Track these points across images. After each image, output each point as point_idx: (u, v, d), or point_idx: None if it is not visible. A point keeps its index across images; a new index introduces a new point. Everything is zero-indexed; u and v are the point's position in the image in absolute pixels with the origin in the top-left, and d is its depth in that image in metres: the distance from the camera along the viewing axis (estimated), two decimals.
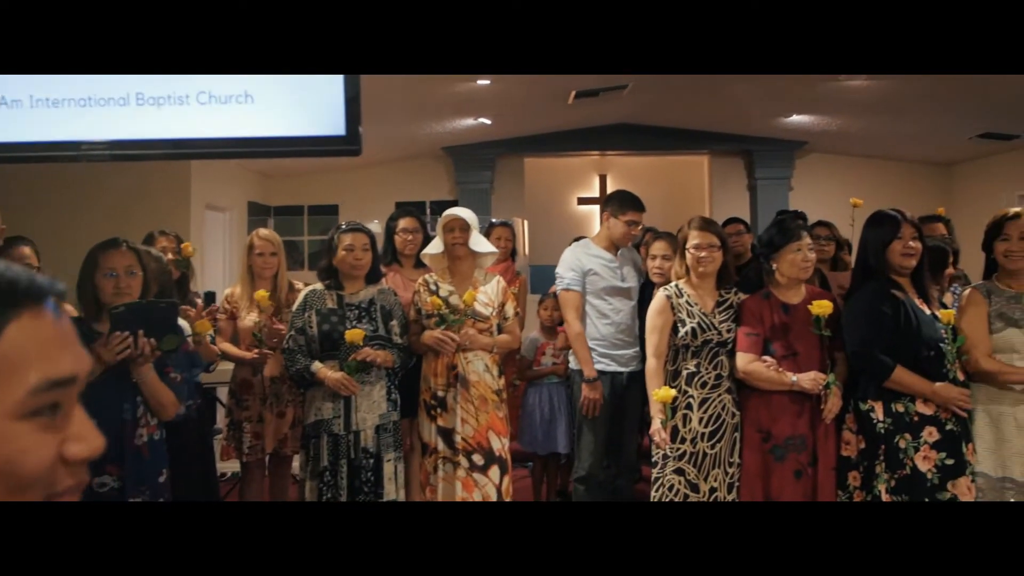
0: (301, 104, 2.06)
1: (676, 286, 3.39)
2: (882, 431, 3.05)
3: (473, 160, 8.52)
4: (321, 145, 2.14)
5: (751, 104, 7.07)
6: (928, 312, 3.07)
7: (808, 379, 3.11)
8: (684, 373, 3.31)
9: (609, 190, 10.27)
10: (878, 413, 3.09)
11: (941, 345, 3.01)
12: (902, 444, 3.02)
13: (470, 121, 7.16)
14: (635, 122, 8.39)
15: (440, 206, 8.78)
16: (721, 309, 3.35)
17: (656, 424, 3.18)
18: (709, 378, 3.30)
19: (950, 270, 3.81)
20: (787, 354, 3.22)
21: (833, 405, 3.12)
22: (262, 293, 3.73)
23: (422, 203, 8.74)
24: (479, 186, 8.56)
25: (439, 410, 3.59)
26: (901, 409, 3.06)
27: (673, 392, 3.06)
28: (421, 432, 3.68)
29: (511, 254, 4.89)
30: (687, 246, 3.36)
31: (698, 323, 3.29)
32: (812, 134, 8.11)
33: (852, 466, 3.16)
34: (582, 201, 10.12)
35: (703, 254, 3.32)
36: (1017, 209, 3.17)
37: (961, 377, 3.07)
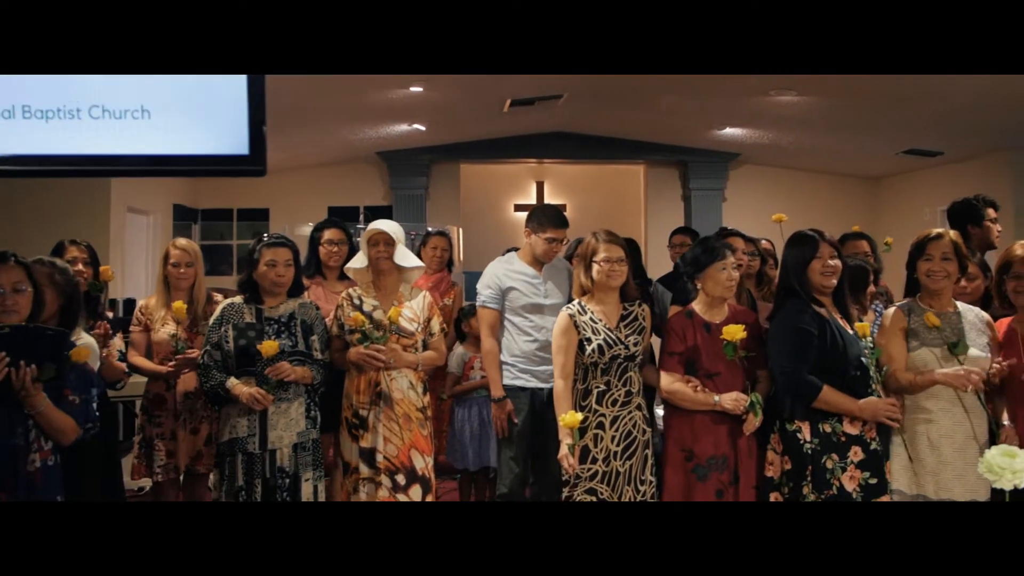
0: (202, 120, 1.96)
1: (579, 304, 3.36)
2: (809, 451, 3.04)
3: (408, 165, 8.42)
4: (223, 164, 2.03)
5: (685, 116, 7.12)
6: (850, 331, 3.10)
7: (730, 399, 3.11)
8: (594, 392, 3.28)
9: (547, 197, 10.28)
10: (805, 434, 3.08)
11: (863, 361, 3.03)
12: (829, 464, 3.03)
13: (404, 127, 7.06)
14: (572, 130, 8.40)
15: (374, 212, 8.63)
16: (626, 323, 3.34)
17: (563, 450, 3.14)
18: (619, 395, 3.29)
19: (872, 288, 3.85)
20: (709, 373, 3.21)
21: (749, 425, 3.12)
22: (179, 305, 3.60)
23: (356, 208, 8.59)
24: (414, 192, 8.46)
25: (361, 430, 3.49)
26: (828, 429, 3.07)
27: (580, 416, 3.00)
28: (342, 450, 3.58)
29: (447, 264, 4.82)
30: (595, 259, 3.32)
31: (604, 340, 3.27)
32: (745, 146, 8.22)
33: (774, 487, 3.16)
34: (519, 208, 10.08)
35: (613, 267, 3.30)
36: (940, 230, 3.21)
37: (883, 395, 3.10)
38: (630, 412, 3.29)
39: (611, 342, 3.26)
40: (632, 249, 5.10)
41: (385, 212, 8.48)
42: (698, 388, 3.19)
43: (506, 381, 3.71)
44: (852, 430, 3.05)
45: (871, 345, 3.15)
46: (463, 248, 8.42)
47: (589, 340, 3.26)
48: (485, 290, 3.83)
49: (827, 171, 8.93)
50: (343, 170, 8.55)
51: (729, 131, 7.66)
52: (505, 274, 3.82)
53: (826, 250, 3.19)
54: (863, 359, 3.03)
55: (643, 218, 8.92)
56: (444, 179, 8.82)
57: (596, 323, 3.29)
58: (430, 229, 4.97)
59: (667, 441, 3.29)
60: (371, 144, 7.92)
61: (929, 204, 8.03)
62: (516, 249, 4.10)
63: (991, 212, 4.48)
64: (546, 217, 3.80)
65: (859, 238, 4.47)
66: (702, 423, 3.19)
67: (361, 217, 8.61)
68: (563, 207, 10.18)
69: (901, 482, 3.07)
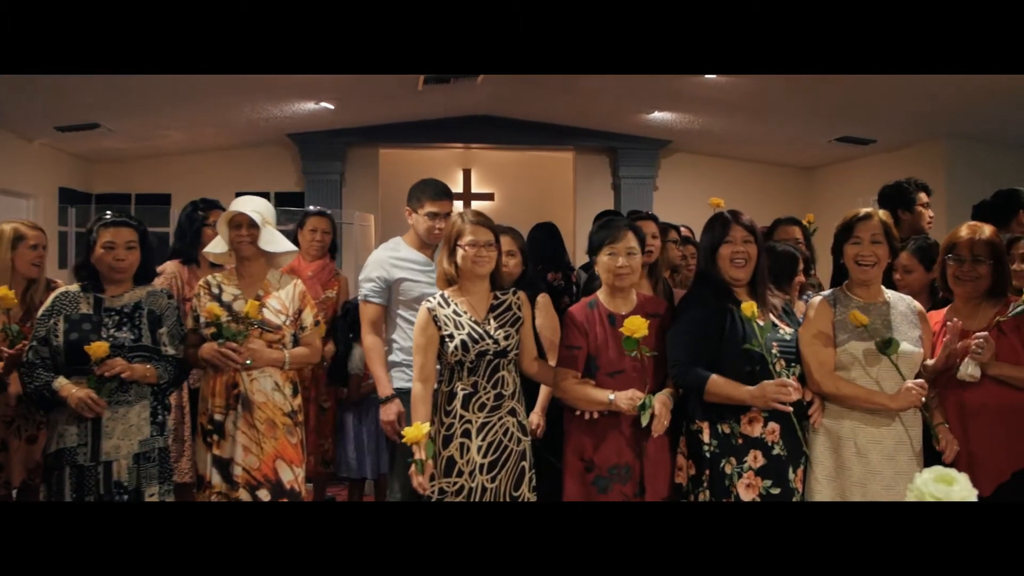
0: None
1: (441, 296, 2.94)
2: (707, 455, 2.71)
3: (322, 149, 7.88)
4: None
5: (612, 99, 6.75)
6: (762, 323, 2.72)
7: (625, 398, 2.72)
8: (460, 395, 2.86)
9: (474, 185, 9.84)
10: (705, 435, 2.75)
11: (765, 356, 2.66)
12: (728, 469, 2.71)
13: (311, 105, 6.55)
14: (498, 114, 7.96)
15: (286, 198, 8.11)
16: (496, 314, 2.93)
17: (412, 468, 2.69)
18: (488, 399, 2.86)
19: (800, 278, 3.51)
20: (612, 371, 2.82)
21: (658, 424, 2.72)
22: (4, 290, 3.08)
23: (266, 194, 8.03)
24: (328, 177, 7.93)
25: (216, 436, 3.02)
26: (727, 431, 2.73)
27: (425, 428, 2.56)
28: (196, 461, 3.11)
29: (330, 250, 4.33)
30: (459, 242, 2.89)
31: (468, 334, 2.85)
32: (676, 132, 7.88)
33: (684, 494, 2.81)
34: None
35: (480, 252, 2.88)
36: (868, 209, 2.87)
37: (797, 398, 2.74)
38: (501, 418, 2.87)
39: (476, 337, 2.84)
40: (549, 233, 4.74)
41: (297, 198, 7.96)
42: (590, 383, 2.81)
43: (399, 384, 3.27)
44: (751, 431, 2.71)
45: (787, 338, 2.80)
46: (383, 238, 7.93)
47: (451, 336, 2.84)
48: (366, 283, 3.39)
49: (761, 160, 8.66)
50: (252, 153, 7.99)
51: (658, 115, 7.30)
52: (390, 263, 3.38)
53: (738, 234, 2.84)
54: (765, 354, 2.66)
55: (573, 207, 8.54)
56: (362, 164, 8.30)
57: (460, 316, 2.87)
58: (310, 209, 4.46)
59: (565, 449, 2.90)
60: (281, 125, 7.38)
61: (863, 194, 7.77)
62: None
63: (923, 196, 4.19)
64: (423, 190, 3.37)
65: (791, 223, 4.13)
66: (603, 428, 2.82)
67: (272, 203, 8.08)
68: (491, 196, 9.79)
69: (825, 492, 2.72)
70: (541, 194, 9.26)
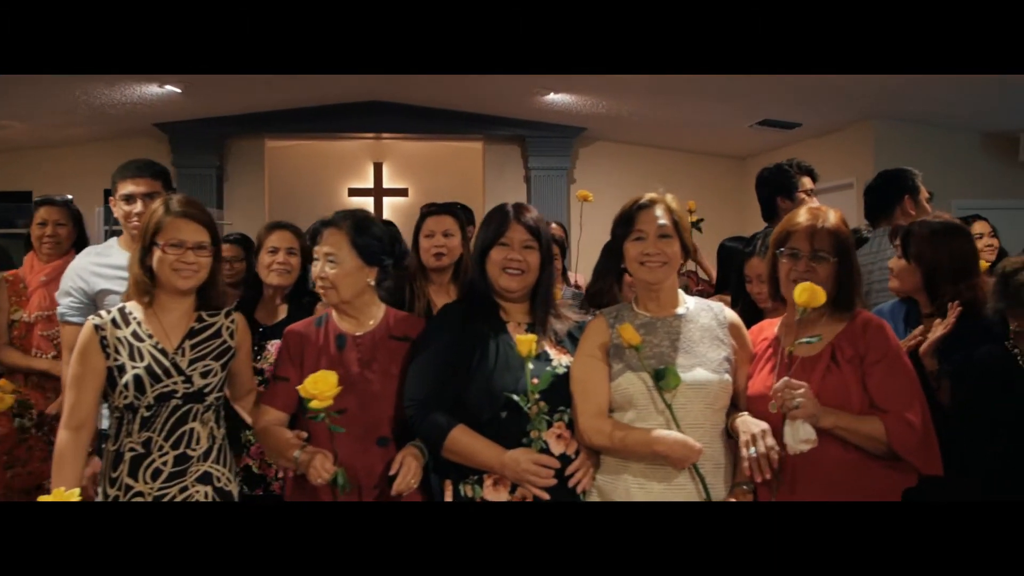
0: None
1: (120, 310, 2.23)
2: None
3: (194, 140, 7.13)
4: None
5: (503, 80, 6.02)
6: (533, 353, 2.02)
7: (313, 465, 2.05)
8: (127, 456, 2.13)
9: (386, 180, 9.12)
10: (448, 496, 2.07)
11: (515, 399, 1.97)
12: None
13: (155, 89, 5.80)
14: (395, 100, 7.23)
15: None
16: (196, 342, 2.22)
17: None
18: (165, 462, 2.12)
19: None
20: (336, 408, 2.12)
21: (401, 483, 2.04)
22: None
23: None
24: (202, 171, 7.18)
25: None
26: (469, 493, 2.04)
27: (74, 496, 1.63)
28: None
29: (76, 245, 3.53)
30: (157, 239, 2.19)
31: (147, 367, 2.13)
32: (589, 119, 7.17)
33: None
34: (354, 192, 8.89)
35: (186, 257, 2.19)
36: (652, 194, 2.17)
37: (562, 450, 2.05)
38: (185, 488, 2.14)
39: (159, 372, 2.13)
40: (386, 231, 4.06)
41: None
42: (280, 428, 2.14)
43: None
44: (496, 496, 2.01)
45: (560, 371, 2.11)
46: None
47: (122, 368, 2.12)
48: (62, 299, 2.68)
49: (689, 149, 7.96)
50: (121, 146, 7.18)
51: (561, 99, 6.59)
52: (92, 271, 2.67)
53: (517, 235, 2.17)
54: (515, 397, 1.97)
55: (483, 202, 7.81)
56: (246, 157, 7.57)
57: (141, 341, 2.16)
58: (38, 199, 3.71)
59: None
60: (149, 114, 6.64)
61: None
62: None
63: (807, 182, 3.51)
64: (121, 168, 2.67)
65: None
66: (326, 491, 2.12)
67: None
68: (404, 191, 9.07)
69: None
70: (458, 188, 8.53)
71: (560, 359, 2.13)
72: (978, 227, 4.08)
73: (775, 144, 7.38)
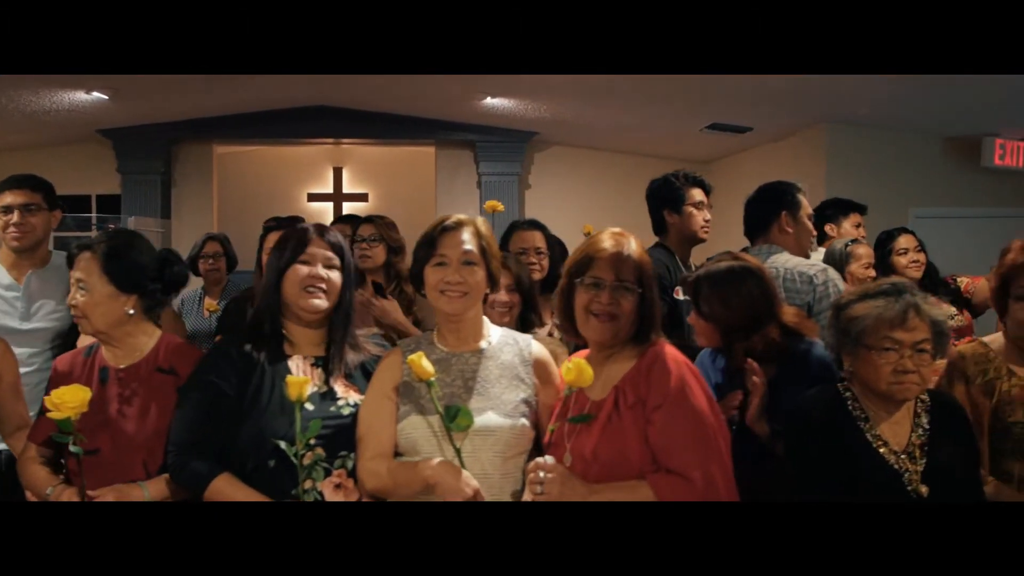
0: None
1: None
2: None
3: (139, 146, 7.04)
4: None
5: (438, 84, 5.89)
6: (303, 397, 1.86)
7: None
8: None
9: (345, 185, 9.02)
10: None
11: (282, 446, 1.83)
12: None
13: (81, 95, 5.69)
14: (339, 104, 7.10)
15: (107, 201, 7.30)
16: None
17: None
18: None
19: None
20: (86, 450, 1.97)
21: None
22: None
23: (87, 197, 7.25)
24: (147, 177, 7.09)
25: None
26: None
27: None
28: None
29: None
30: None
31: None
32: (537, 123, 7.03)
33: None
34: (313, 197, 8.79)
35: None
36: (459, 216, 2.00)
37: (340, 500, 1.91)
38: None
39: None
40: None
41: (115, 202, 7.15)
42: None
43: None
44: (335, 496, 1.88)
45: (344, 413, 1.97)
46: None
47: None
48: None
49: (643, 153, 7.80)
50: (67, 152, 7.14)
51: (505, 103, 6.44)
52: None
53: (319, 252, 2.03)
54: (282, 444, 1.83)
55: (435, 209, 7.68)
56: (194, 163, 7.46)
57: None
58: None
59: None
60: (87, 120, 6.54)
61: (751, 189, 6.98)
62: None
63: (696, 194, 3.35)
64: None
65: (532, 228, 3.29)
66: None
67: (94, 208, 7.28)
68: (364, 196, 8.96)
69: None
70: (416, 192, 8.43)
71: (348, 397, 1.97)
72: (903, 241, 3.92)
73: (731, 149, 7.23)
